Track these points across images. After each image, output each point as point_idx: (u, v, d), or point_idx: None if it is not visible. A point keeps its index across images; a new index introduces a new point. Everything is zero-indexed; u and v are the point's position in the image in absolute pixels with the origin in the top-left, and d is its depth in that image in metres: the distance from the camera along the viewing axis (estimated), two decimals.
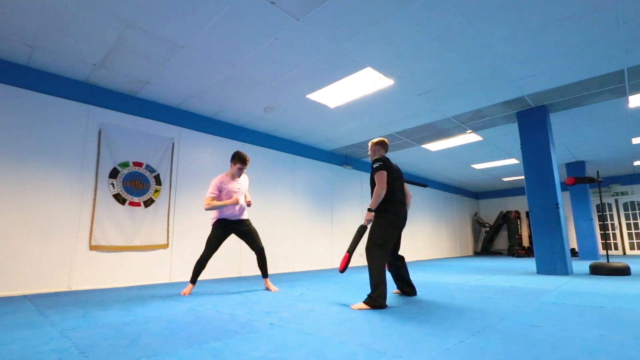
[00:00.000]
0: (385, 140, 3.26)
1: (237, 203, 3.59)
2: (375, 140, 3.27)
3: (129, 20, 3.25)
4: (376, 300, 2.65)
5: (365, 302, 2.70)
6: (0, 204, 3.66)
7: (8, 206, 3.70)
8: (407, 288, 3.27)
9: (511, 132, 6.51)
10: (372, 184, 3.01)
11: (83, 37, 3.50)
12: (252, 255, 5.85)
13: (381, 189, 2.86)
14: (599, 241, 10.34)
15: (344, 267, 2.90)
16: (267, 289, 3.84)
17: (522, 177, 8.78)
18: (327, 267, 7.18)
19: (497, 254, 13.19)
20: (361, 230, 2.97)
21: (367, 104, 5.24)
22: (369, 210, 2.88)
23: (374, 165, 2.96)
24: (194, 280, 3.59)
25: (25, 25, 3.29)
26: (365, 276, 5.32)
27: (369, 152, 3.30)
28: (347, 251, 2.92)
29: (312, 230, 7.03)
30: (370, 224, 2.92)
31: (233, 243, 5.63)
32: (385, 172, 2.91)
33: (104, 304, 3.01)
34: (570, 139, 7.14)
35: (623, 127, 6.46)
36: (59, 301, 3.18)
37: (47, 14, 3.14)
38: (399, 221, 2.97)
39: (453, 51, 3.85)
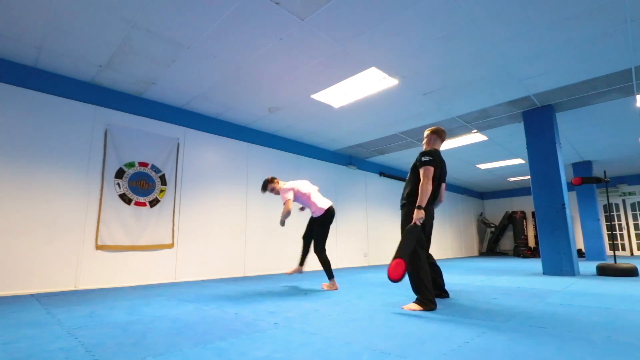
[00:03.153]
0: (442, 129, 3.03)
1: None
2: (433, 128, 3.05)
3: (134, 21, 3.27)
4: (429, 300, 2.55)
5: (416, 302, 2.61)
6: (7, 204, 3.70)
7: (15, 206, 3.75)
8: (440, 292, 3.07)
9: (517, 132, 6.47)
10: (413, 173, 2.86)
11: (89, 39, 3.53)
12: (255, 256, 5.88)
13: (427, 185, 2.66)
14: (606, 242, 10.23)
15: (401, 276, 2.39)
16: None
17: (528, 177, 8.73)
18: (332, 267, 7.16)
19: (503, 254, 13.10)
20: (414, 230, 2.61)
21: (371, 104, 5.23)
22: (419, 208, 2.62)
23: (423, 159, 2.75)
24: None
25: (32, 27, 3.33)
26: (369, 276, 5.31)
27: (424, 141, 3.05)
28: (400, 256, 2.46)
29: None
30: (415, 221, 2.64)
31: (237, 243, 5.66)
32: (432, 168, 2.73)
33: (110, 303, 3.03)
34: (577, 139, 7.08)
35: (630, 127, 6.39)
36: (65, 300, 3.21)
37: (53, 15, 3.17)
38: (427, 218, 2.78)
39: (458, 50, 3.83)
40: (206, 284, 4.38)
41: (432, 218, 2.92)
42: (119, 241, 4.36)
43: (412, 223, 2.63)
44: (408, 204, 2.83)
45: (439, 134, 3.01)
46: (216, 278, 5.15)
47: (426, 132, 3.08)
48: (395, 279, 2.40)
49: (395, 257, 2.48)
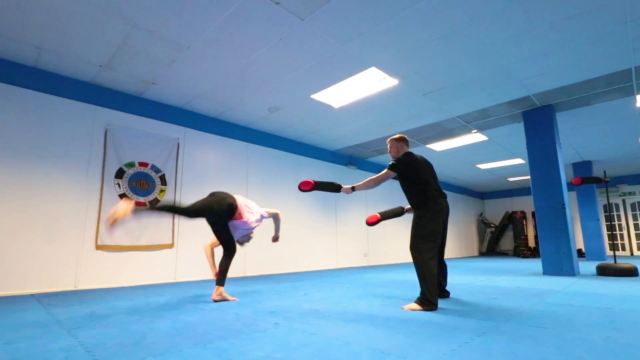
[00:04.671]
0: (404, 136, 3.13)
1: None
2: (396, 136, 3.11)
3: (134, 21, 3.27)
4: (429, 301, 2.55)
5: (417, 302, 2.62)
6: (7, 204, 3.70)
7: (15, 206, 3.74)
8: (441, 292, 3.06)
9: (517, 132, 6.46)
10: (402, 184, 2.96)
11: (89, 39, 3.53)
12: (255, 256, 5.87)
13: (374, 181, 2.93)
14: (606, 242, 10.22)
15: (372, 222, 3.32)
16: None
17: (528, 177, 8.72)
18: (332, 267, 7.17)
19: (503, 254, 13.10)
20: (399, 210, 3.37)
21: (371, 104, 5.23)
22: (353, 188, 3.01)
23: (390, 163, 2.89)
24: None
25: (32, 26, 3.33)
26: (369, 276, 5.31)
27: (389, 149, 3.12)
28: (380, 214, 3.36)
29: (316, 230, 7.03)
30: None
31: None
32: (392, 173, 2.86)
33: (110, 303, 3.03)
34: (577, 139, 7.08)
35: (630, 127, 6.39)
36: (65, 300, 3.21)
37: (53, 15, 3.17)
38: (442, 210, 2.80)
39: (458, 50, 3.83)
40: (206, 284, 4.38)
41: (448, 211, 2.90)
42: (119, 241, 4.36)
43: (340, 192, 3.08)
44: (415, 209, 2.88)
45: (405, 141, 3.11)
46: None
47: (389, 141, 3.13)
48: (370, 222, 3.37)
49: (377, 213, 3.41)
